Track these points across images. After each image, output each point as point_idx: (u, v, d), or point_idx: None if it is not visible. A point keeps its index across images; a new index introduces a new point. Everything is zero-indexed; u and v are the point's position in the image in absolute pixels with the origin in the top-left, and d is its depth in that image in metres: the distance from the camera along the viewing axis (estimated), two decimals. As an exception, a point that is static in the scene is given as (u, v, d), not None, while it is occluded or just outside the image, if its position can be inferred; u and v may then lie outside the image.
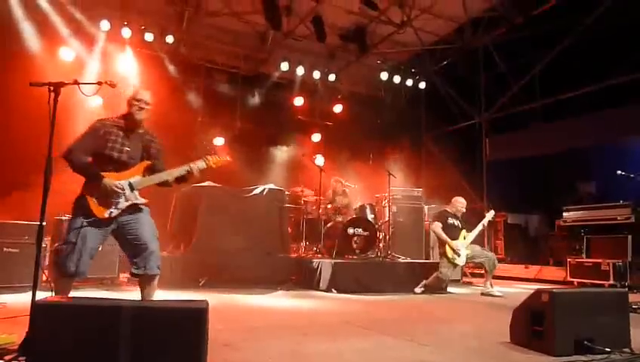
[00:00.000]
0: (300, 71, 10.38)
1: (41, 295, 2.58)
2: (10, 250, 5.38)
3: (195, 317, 2.20)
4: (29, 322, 2.42)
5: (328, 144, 10.89)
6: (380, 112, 12.03)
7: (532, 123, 10.20)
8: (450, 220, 6.73)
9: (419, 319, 4.77)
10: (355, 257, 7.33)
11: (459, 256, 6.49)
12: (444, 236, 6.54)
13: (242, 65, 10.48)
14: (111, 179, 3.24)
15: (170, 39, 8.99)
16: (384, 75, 11.02)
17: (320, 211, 8.18)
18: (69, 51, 8.12)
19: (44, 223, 2.84)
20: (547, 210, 10.34)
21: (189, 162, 3.47)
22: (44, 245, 2.93)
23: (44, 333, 2.13)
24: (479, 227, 6.71)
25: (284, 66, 10.12)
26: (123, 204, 3.27)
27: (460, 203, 6.97)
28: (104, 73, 8.13)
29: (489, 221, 6.89)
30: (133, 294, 5.56)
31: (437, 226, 6.65)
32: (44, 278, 3.34)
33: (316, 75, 10.67)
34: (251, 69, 10.56)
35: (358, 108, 11.37)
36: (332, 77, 10.82)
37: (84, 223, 3.18)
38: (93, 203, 3.22)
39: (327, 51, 10.63)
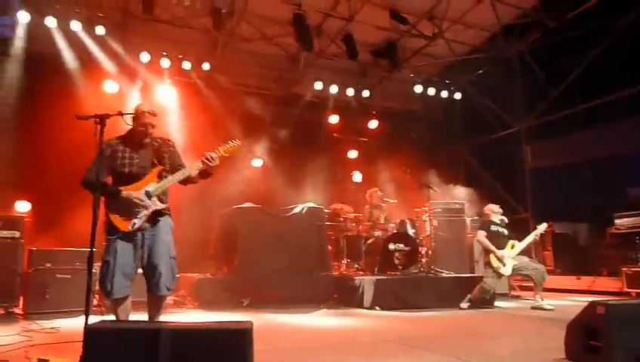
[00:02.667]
0: (334, 89, 10.45)
1: (93, 319, 2.67)
2: (62, 276, 5.61)
3: (241, 338, 2.23)
4: (82, 346, 2.51)
5: (365, 160, 10.87)
6: (416, 126, 11.94)
7: (574, 128, 9.89)
8: (494, 228, 6.56)
9: (465, 335, 4.65)
10: (397, 273, 7.24)
11: (504, 265, 6.30)
12: (488, 244, 6.38)
13: (275, 87, 10.64)
14: (128, 192, 3.34)
15: (206, 66, 9.25)
16: (418, 88, 10.96)
17: (360, 228, 8.15)
18: (112, 84, 8.49)
19: (94, 249, 2.96)
20: (596, 217, 9.92)
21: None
22: (94, 270, 3.03)
23: (95, 356, 2.20)
24: (530, 238, 6.50)
25: (318, 85, 10.22)
26: (143, 213, 3.34)
27: (494, 208, 6.81)
28: (145, 103, 8.45)
29: (541, 233, 6.67)
30: (195, 316, 5.67)
31: (481, 235, 6.50)
32: (96, 303, 3.47)
33: (350, 92, 10.71)
34: (284, 90, 10.71)
35: (394, 123, 11.32)
36: (366, 93, 10.84)
37: (114, 241, 3.30)
38: (116, 219, 3.33)
39: (359, 68, 10.68)
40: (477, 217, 8.75)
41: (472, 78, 11.11)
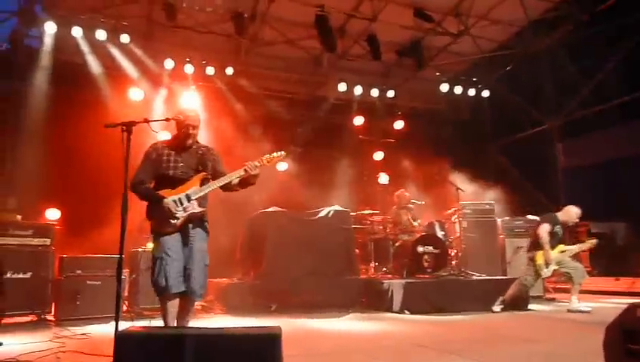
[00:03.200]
0: (358, 90, 10.43)
1: (123, 325, 2.72)
2: (93, 282, 5.72)
3: (270, 343, 2.22)
4: (113, 352, 2.54)
5: (391, 161, 10.79)
6: (443, 125, 11.82)
7: (608, 124, 9.62)
8: (557, 228, 6.37)
9: (498, 339, 4.55)
10: (426, 276, 7.16)
11: (547, 267, 6.17)
12: (546, 240, 6.19)
13: (299, 90, 10.68)
14: (169, 198, 3.47)
15: (229, 71, 9.34)
16: (444, 87, 10.84)
17: (387, 230, 8.10)
18: (137, 91, 8.65)
19: (123, 256, 3.02)
20: (634, 216, 9.63)
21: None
22: (123, 277, 3.09)
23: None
24: (576, 248, 6.39)
25: (342, 87, 10.21)
26: (181, 213, 3.46)
27: (574, 212, 6.49)
28: (170, 109, 8.60)
29: (589, 247, 6.53)
30: (222, 321, 5.73)
31: (545, 229, 6.25)
32: (125, 309, 3.53)
33: (374, 93, 10.67)
34: (308, 93, 10.74)
35: (420, 123, 11.23)
36: (390, 93, 10.78)
37: (164, 239, 3.44)
38: (159, 221, 3.48)
39: (383, 68, 10.64)
40: (508, 218, 8.58)
41: (499, 75, 10.93)
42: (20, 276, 5.56)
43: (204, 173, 3.62)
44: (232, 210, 7.88)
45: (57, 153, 7.90)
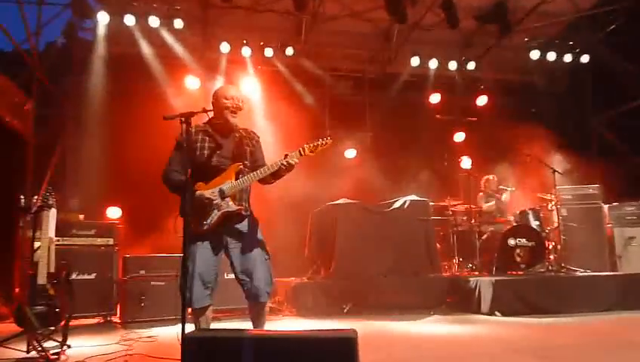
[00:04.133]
0: (433, 64, 10.20)
1: (189, 327, 2.83)
2: (157, 283, 6.02)
3: (345, 347, 2.23)
4: (181, 355, 2.65)
5: (474, 143, 10.50)
6: (534, 99, 11.32)
7: None
8: None
9: (612, 345, 4.31)
10: (519, 273, 6.99)
11: None
12: None
13: (368, 67, 10.61)
14: (201, 191, 3.38)
15: (289, 51, 9.44)
16: (535, 54, 10.35)
17: (472, 222, 7.93)
18: (193, 80, 8.96)
19: (187, 255, 3.11)
20: None
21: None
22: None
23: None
24: None
25: (415, 62, 10.02)
26: (215, 214, 3.37)
27: None
28: (226, 85, 8.80)
29: None
30: (293, 323, 5.86)
31: None
32: (190, 311, 3.64)
33: (452, 65, 10.39)
34: (378, 71, 10.65)
35: (506, 97, 10.86)
36: (471, 65, 10.45)
37: (193, 244, 3.35)
38: (190, 220, 3.33)
39: (462, 38, 10.32)
40: (616, 204, 8.12)
41: (602, 36, 10.27)
42: (85, 277, 5.96)
43: (240, 164, 3.49)
44: (296, 203, 8.01)
45: (116, 149, 8.35)
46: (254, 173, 3.42)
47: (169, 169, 3.51)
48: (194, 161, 3.44)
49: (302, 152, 3.37)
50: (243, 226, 3.47)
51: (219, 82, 9.02)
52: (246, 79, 9.40)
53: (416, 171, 10.16)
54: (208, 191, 3.37)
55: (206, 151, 3.46)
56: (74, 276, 5.74)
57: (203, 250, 3.37)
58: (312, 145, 3.41)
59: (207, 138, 3.51)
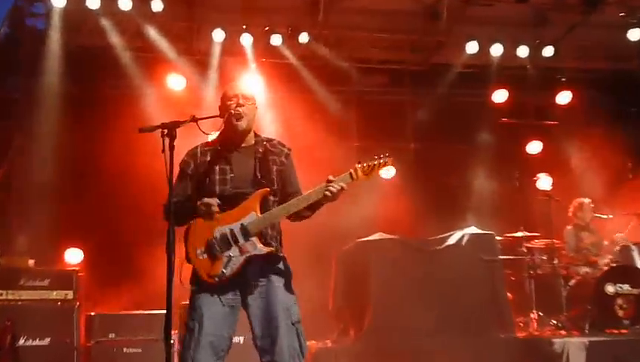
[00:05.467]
0: (497, 50, 10.18)
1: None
2: (131, 350, 6.07)
3: None
4: None
5: (555, 155, 10.47)
6: (635, 95, 11.26)
7: None
8: None
9: None
10: (622, 331, 6.96)
11: None
12: None
13: (408, 57, 10.64)
14: (219, 225, 3.34)
15: (304, 38, 9.49)
16: (635, 34, 10.31)
17: (556, 262, 7.89)
18: (178, 78, 9.10)
19: (171, 311, 3.12)
20: None
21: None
22: (172, 340, 3.20)
23: None
24: None
25: (472, 48, 10.03)
26: (237, 259, 3.31)
27: None
28: (234, 83, 8.71)
29: None
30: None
31: None
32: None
33: (522, 52, 10.36)
34: (422, 61, 10.68)
35: (597, 93, 10.86)
36: (548, 51, 10.42)
37: (200, 297, 3.36)
38: (200, 263, 3.37)
39: (534, 15, 10.34)
40: None
41: None
42: (37, 343, 6.02)
43: (267, 189, 3.43)
44: (316, 240, 8.01)
45: (78, 171, 8.50)
46: (288, 203, 3.41)
47: (171, 201, 3.30)
48: (203, 191, 3.43)
49: (354, 175, 3.36)
50: (270, 275, 3.43)
51: (211, 81, 9.12)
52: (246, 76, 9.45)
53: (477, 194, 10.14)
54: (226, 227, 3.34)
55: (217, 177, 3.45)
56: (21, 342, 5.80)
57: (213, 303, 3.35)
58: (366, 165, 3.39)
59: (218, 159, 3.51)
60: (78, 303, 6.38)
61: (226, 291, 3.37)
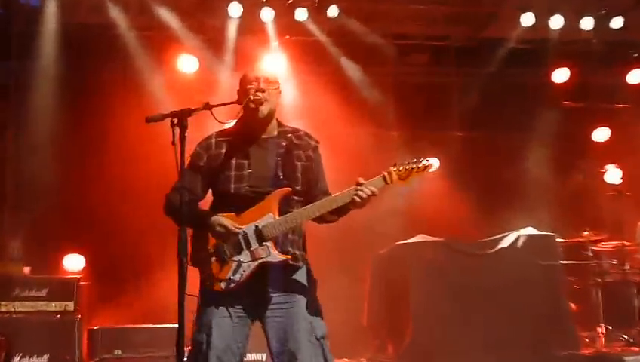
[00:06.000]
0: (557, 22, 10.09)
1: None
2: (137, 369, 6.12)
3: None
4: None
5: (624, 144, 10.33)
6: None
7: None
8: None
9: None
10: None
11: None
12: None
13: (454, 31, 10.59)
14: (220, 219, 3.32)
15: (333, 11, 9.47)
16: None
17: (627, 268, 7.84)
18: (190, 60, 9.13)
19: (184, 325, 3.10)
20: None
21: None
22: (184, 358, 3.19)
23: None
24: None
25: (527, 19, 9.94)
26: (248, 266, 3.28)
27: None
28: (254, 67, 8.58)
29: None
30: None
31: None
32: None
33: (586, 23, 10.25)
34: (470, 35, 10.61)
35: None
36: (617, 22, 10.30)
37: (209, 307, 3.34)
38: (209, 269, 3.34)
39: (600, -20, 10.23)
40: None
41: None
42: (33, 361, 6.08)
43: (287, 189, 3.39)
44: (348, 242, 7.98)
45: (78, 168, 8.55)
46: (310, 206, 3.38)
47: (175, 189, 3.38)
48: (216, 188, 3.47)
49: (387, 179, 3.34)
50: (290, 284, 3.40)
51: (227, 63, 9.12)
52: (267, 57, 9.46)
53: (535, 190, 10.04)
54: (238, 229, 3.30)
55: (233, 173, 3.43)
56: (16, 360, 5.88)
57: (223, 315, 3.33)
58: (402, 168, 3.38)
59: (234, 152, 3.48)
60: (79, 316, 6.43)
61: (237, 301, 3.34)
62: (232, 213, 3.35)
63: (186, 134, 3.12)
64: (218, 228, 3.28)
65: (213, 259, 3.32)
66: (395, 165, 3.36)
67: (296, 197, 3.44)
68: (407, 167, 3.36)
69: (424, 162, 3.40)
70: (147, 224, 7.57)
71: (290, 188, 3.39)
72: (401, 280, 7.19)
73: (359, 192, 3.24)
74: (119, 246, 8.21)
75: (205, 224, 3.32)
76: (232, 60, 9.27)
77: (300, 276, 3.44)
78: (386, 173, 3.33)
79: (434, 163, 3.47)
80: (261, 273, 3.29)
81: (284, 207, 3.36)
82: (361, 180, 3.27)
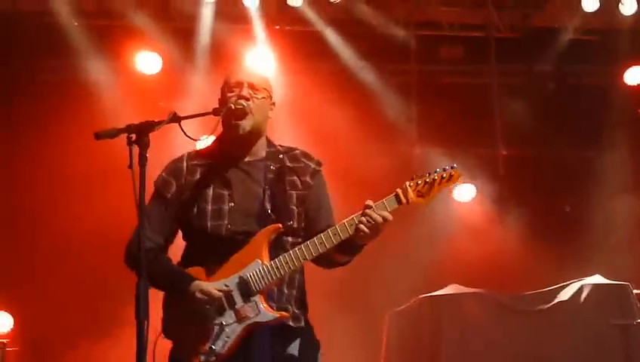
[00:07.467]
0: (629, 8, 10.23)
1: None
2: None
3: None
4: None
5: None
6: None
7: None
8: None
9: None
10: None
11: None
12: None
13: (497, 20, 10.69)
14: (201, 283, 3.29)
15: (336, -5, 9.60)
16: None
17: None
18: (151, 57, 9.23)
19: None
20: None
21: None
22: None
23: None
24: None
25: (590, 5, 10.09)
26: (232, 330, 3.27)
27: None
28: (238, 67, 8.20)
29: None
30: None
31: None
32: None
33: (669, 8, 10.42)
34: (516, 25, 10.74)
35: None
36: None
37: None
38: (184, 341, 3.37)
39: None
40: None
41: None
42: None
43: (277, 225, 3.37)
44: (360, 298, 8.05)
45: (5, 202, 8.62)
46: (306, 245, 3.33)
47: (136, 238, 3.16)
48: (189, 225, 3.48)
49: (402, 198, 3.31)
50: (286, 352, 3.40)
51: (199, 61, 9.17)
52: (252, 51, 9.53)
53: (604, 225, 10.11)
54: (216, 284, 3.28)
55: (210, 207, 3.44)
56: None
57: None
58: (420, 181, 3.36)
59: (211, 179, 3.50)
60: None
61: None
62: (202, 268, 3.36)
63: (147, 154, 3.05)
64: (199, 296, 3.25)
65: (190, 324, 3.31)
66: (412, 178, 3.35)
67: (290, 238, 3.46)
68: (428, 179, 3.36)
69: (447, 171, 3.39)
70: (95, 274, 7.67)
71: (281, 225, 3.37)
72: (429, 341, 7.26)
73: (366, 218, 3.21)
74: (58, 304, 8.25)
75: (182, 290, 3.31)
76: (207, 58, 9.34)
77: (299, 340, 3.43)
78: (399, 190, 3.31)
79: (461, 172, 3.39)
80: (249, 338, 3.28)
81: (277, 251, 3.35)
82: (369, 202, 3.24)
